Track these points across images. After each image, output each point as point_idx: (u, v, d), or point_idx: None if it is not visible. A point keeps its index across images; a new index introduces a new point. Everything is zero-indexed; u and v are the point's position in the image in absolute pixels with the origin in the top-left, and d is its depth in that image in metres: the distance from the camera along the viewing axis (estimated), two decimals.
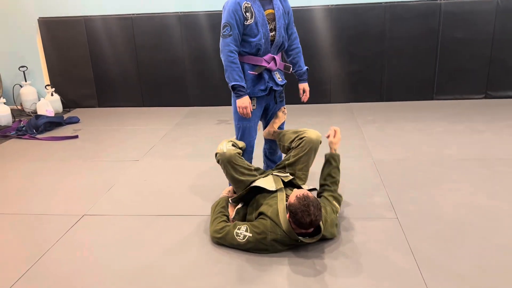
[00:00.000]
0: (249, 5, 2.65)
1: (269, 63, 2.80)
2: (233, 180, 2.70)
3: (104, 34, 5.88)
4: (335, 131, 2.79)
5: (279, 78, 2.90)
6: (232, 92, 2.84)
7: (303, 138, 2.64)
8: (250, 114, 2.79)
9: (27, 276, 2.35)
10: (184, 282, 2.24)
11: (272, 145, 3.13)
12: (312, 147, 2.64)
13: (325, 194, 2.68)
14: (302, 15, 5.46)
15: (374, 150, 3.99)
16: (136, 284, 2.25)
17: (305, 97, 3.07)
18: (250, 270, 2.30)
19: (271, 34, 2.78)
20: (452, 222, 2.71)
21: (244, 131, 2.88)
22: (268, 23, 2.75)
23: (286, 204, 2.43)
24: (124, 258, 2.48)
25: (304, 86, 3.08)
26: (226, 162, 2.63)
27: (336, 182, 2.74)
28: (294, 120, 4.53)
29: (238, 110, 2.76)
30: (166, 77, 5.97)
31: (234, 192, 2.86)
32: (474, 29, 5.37)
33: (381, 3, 5.41)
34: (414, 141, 4.19)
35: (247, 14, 2.64)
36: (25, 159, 4.25)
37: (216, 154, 2.69)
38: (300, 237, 2.34)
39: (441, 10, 5.33)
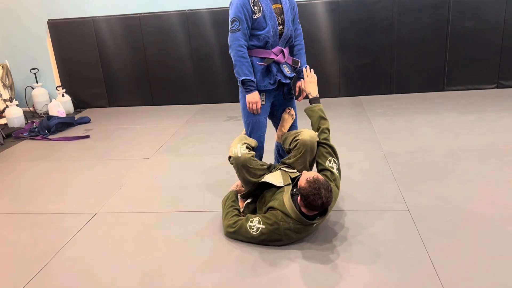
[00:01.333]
0: (258, 1, 2.65)
1: (277, 55, 2.80)
2: (245, 181, 2.69)
3: (112, 34, 5.93)
4: (308, 78, 2.81)
5: (287, 71, 2.87)
6: (240, 88, 2.84)
7: (298, 140, 2.61)
8: (259, 110, 2.77)
9: (42, 274, 2.39)
10: (197, 276, 2.26)
11: None
12: (307, 149, 2.59)
13: (318, 151, 2.63)
14: (309, 9, 5.44)
15: (384, 143, 3.97)
16: (149, 279, 2.27)
17: (301, 97, 2.97)
18: (262, 264, 2.31)
19: (280, 27, 2.77)
20: (463, 212, 2.68)
21: (254, 127, 2.88)
22: (276, 17, 2.74)
23: (293, 192, 2.43)
24: (137, 254, 2.50)
25: (301, 84, 2.93)
26: (240, 166, 2.62)
27: (323, 131, 2.67)
28: (305, 115, 4.51)
29: (247, 105, 2.75)
30: (175, 75, 6.00)
31: (243, 186, 2.86)
32: (484, 18, 5.29)
33: None
34: (424, 132, 4.16)
35: (255, 8, 2.64)
36: (38, 159, 4.31)
37: (229, 158, 2.67)
38: (311, 222, 2.33)
39: None
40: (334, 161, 2.58)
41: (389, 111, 4.96)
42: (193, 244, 2.56)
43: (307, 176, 2.31)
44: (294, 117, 3.02)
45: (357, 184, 3.16)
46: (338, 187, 2.54)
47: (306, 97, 2.92)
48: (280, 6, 2.77)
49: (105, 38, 5.96)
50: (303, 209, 2.32)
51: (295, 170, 2.65)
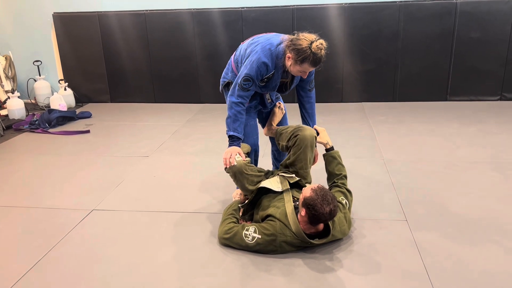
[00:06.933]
0: (271, 75, 2.62)
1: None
2: (243, 189, 2.68)
3: (117, 29, 5.92)
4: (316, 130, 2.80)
5: (268, 99, 2.91)
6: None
7: (297, 136, 2.61)
8: (234, 162, 2.61)
9: (36, 269, 2.37)
10: (189, 279, 2.24)
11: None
12: (307, 144, 2.59)
13: (332, 190, 2.67)
14: (315, 13, 5.43)
15: (385, 151, 3.95)
16: (142, 279, 2.26)
17: (315, 162, 2.86)
18: (257, 270, 2.29)
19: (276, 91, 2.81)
20: (461, 225, 2.67)
21: (247, 131, 2.84)
22: (279, 85, 2.74)
23: (295, 205, 2.41)
24: (131, 254, 2.49)
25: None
26: (238, 174, 2.59)
27: (342, 177, 2.73)
28: (294, 111, 4.50)
29: (224, 155, 2.65)
30: (178, 74, 5.99)
31: (245, 195, 2.84)
32: (490, 30, 5.28)
33: (395, 2, 5.35)
34: (426, 142, 4.14)
35: (265, 79, 2.63)
36: (37, 152, 4.29)
37: (225, 168, 2.66)
38: (310, 240, 2.33)
39: (457, 9, 5.26)
40: (347, 203, 2.60)
41: (391, 118, 4.95)
42: (188, 246, 2.54)
43: (311, 186, 2.31)
44: (284, 111, 3.03)
45: (356, 191, 3.13)
46: (347, 220, 2.51)
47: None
48: (288, 80, 2.75)
49: (110, 33, 5.95)
50: (303, 226, 2.33)
51: (293, 175, 2.63)
